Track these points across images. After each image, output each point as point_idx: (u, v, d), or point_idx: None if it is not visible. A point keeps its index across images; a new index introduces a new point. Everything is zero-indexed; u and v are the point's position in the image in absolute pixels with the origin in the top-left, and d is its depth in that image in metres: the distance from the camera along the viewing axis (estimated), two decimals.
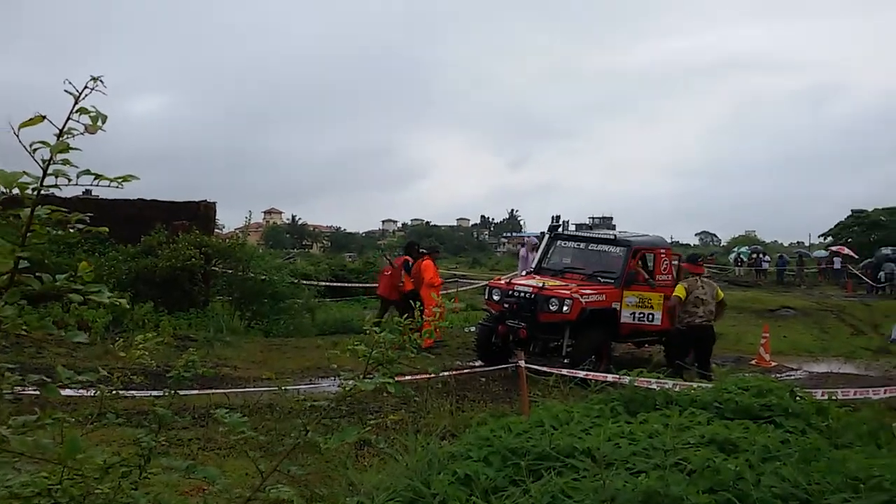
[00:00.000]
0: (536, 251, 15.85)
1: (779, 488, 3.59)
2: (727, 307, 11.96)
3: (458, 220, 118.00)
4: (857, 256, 40.66)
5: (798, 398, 5.79)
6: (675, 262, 13.29)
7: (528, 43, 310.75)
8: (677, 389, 6.25)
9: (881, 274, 33.80)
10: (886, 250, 37.27)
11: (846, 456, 4.23)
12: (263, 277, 15.70)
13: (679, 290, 11.04)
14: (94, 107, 1.94)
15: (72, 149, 1.95)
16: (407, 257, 15.21)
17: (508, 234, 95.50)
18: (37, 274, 2.01)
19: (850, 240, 47.97)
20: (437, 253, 16.12)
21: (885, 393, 7.88)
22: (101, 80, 1.94)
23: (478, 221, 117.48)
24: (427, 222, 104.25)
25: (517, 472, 4.11)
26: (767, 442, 4.30)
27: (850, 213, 51.47)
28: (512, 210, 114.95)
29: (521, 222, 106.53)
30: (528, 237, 22.95)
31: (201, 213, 17.24)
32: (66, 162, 1.94)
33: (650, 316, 12.26)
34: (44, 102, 2.00)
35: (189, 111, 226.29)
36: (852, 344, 17.64)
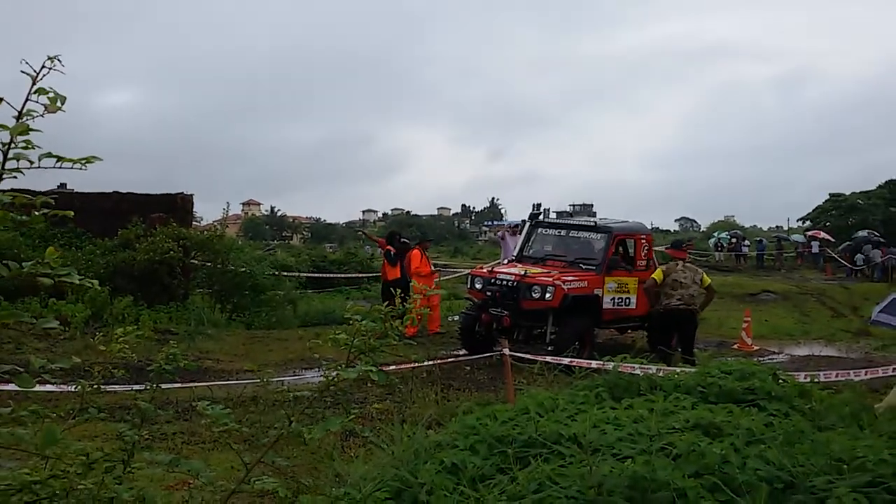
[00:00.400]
0: (519, 234, 15.93)
1: (763, 471, 3.60)
2: (715, 294, 11.97)
3: (438, 209, 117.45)
4: (833, 240, 41.09)
5: (781, 381, 5.82)
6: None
7: (508, 33, 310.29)
8: (661, 375, 6.27)
9: (857, 256, 34.15)
10: (863, 233, 37.67)
11: (829, 438, 4.26)
12: (244, 269, 15.60)
13: (657, 274, 11.11)
14: (51, 87, 1.90)
15: (32, 130, 1.91)
16: (388, 247, 15.20)
17: (489, 223, 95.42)
18: (5, 262, 1.97)
19: (827, 224, 48.45)
20: (427, 243, 16.14)
21: (866, 375, 7.97)
22: (58, 60, 1.91)
23: (459, 210, 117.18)
24: (408, 212, 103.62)
25: (504, 459, 4.10)
26: (751, 425, 4.31)
27: (827, 196, 51.92)
28: (493, 198, 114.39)
29: (503, 211, 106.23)
30: (507, 224, 22.97)
31: (178, 206, 17.03)
32: (28, 144, 1.91)
33: (627, 300, 12.39)
34: (4, 92, 1.96)
35: (164, 103, 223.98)
36: (832, 327, 17.85)
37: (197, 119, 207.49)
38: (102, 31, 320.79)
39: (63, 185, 19.81)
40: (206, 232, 17.24)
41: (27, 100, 1.92)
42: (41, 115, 1.93)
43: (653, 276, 11.20)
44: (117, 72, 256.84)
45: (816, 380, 6.62)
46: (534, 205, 14.05)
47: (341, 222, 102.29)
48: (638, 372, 6.30)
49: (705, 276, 11.25)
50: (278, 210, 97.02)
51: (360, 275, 23.25)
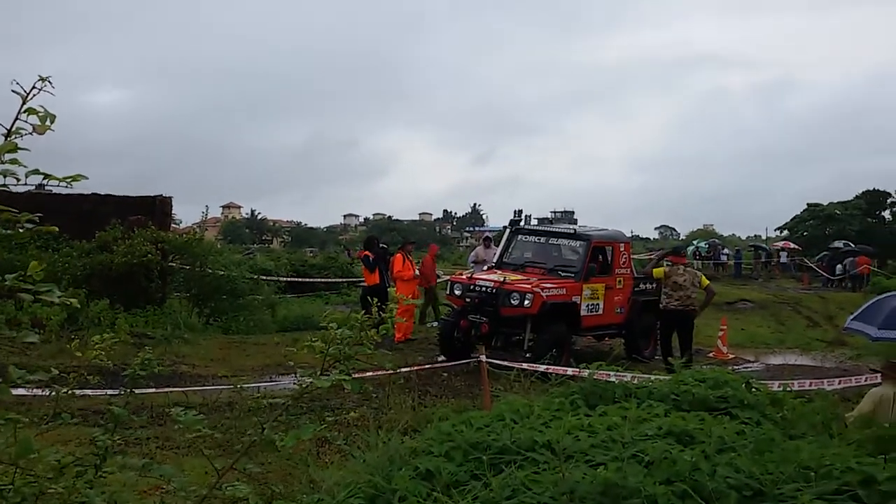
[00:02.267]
0: (490, 245, 16.06)
1: (733, 478, 3.64)
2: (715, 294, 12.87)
3: (420, 214, 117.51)
4: (801, 249, 41.76)
5: (753, 390, 5.88)
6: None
7: (494, 38, 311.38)
8: (635, 382, 6.33)
9: (838, 267, 34.43)
10: (839, 243, 38.08)
11: (799, 446, 4.31)
12: (222, 273, 15.53)
13: (657, 271, 12.09)
14: (42, 106, 1.91)
15: (20, 149, 1.92)
16: (367, 252, 15.19)
17: (471, 229, 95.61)
18: None
19: (805, 233, 49.00)
20: (409, 245, 16.23)
21: (839, 384, 8.07)
22: (49, 81, 1.92)
23: (440, 216, 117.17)
24: (389, 217, 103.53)
25: (478, 466, 4.13)
26: (723, 433, 4.36)
27: (805, 206, 52.40)
28: (475, 204, 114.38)
29: (484, 216, 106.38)
30: (480, 230, 23.17)
31: (157, 208, 16.93)
32: (14, 161, 1.92)
33: (596, 307, 12.49)
34: None
35: (144, 104, 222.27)
36: (808, 336, 18.03)
37: (177, 121, 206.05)
38: (83, 32, 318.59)
39: (41, 187, 19.61)
40: (184, 235, 17.15)
41: (16, 119, 1.93)
42: (30, 134, 1.94)
43: (654, 271, 12.23)
44: (97, 73, 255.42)
45: (789, 388, 6.69)
46: (515, 211, 14.25)
47: (322, 226, 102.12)
48: (613, 379, 6.35)
49: (703, 277, 12.15)
50: (258, 213, 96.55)
51: (340, 279, 23.23)
